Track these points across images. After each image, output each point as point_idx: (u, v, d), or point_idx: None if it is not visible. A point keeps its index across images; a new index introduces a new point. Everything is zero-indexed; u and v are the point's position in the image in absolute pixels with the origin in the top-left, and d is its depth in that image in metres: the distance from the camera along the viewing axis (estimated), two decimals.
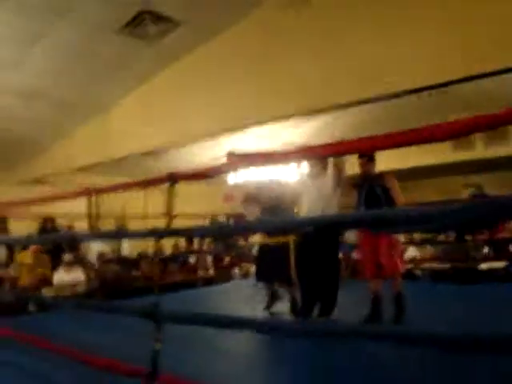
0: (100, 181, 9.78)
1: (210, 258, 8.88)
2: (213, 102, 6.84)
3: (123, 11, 5.37)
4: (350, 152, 3.11)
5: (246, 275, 9.14)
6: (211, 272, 8.66)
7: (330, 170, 4.77)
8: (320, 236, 4.60)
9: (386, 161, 7.31)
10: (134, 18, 5.45)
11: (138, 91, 7.20)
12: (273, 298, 5.52)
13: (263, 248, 5.43)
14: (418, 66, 5.27)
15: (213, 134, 7.46)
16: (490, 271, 7.05)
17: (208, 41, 6.31)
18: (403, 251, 4.91)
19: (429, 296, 5.58)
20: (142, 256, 8.05)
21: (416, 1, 5.14)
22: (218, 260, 8.94)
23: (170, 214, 2.64)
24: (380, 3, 5.35)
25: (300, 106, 6.35)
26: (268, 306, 5.49)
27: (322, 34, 5.70)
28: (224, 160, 6.81)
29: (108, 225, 9.45)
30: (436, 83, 5.31)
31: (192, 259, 8.66)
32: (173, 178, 2.69)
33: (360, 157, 4.78)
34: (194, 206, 9.87)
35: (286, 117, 6.88)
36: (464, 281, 6.71)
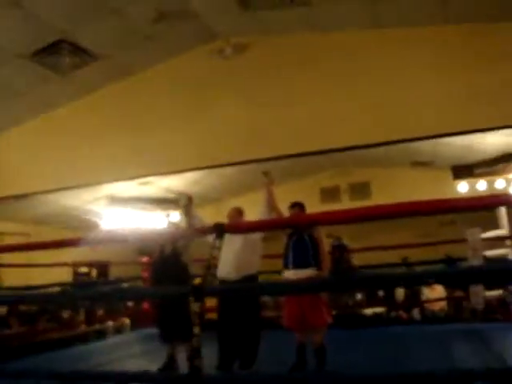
0: None
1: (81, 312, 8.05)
2: (114, 147, 6.48)
3: (38, 37, 4.88)
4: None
5: (119, 330, 8.47)
6: (83, 327, 7.84)
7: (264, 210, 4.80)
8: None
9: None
10: (50, 46, 4.98)
11: (32, 123, 6.47)
12: (171, 361, 5.05)
13: (160, 305, 5.11)
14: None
15: (103, 181, 7.05)
16: (374, 316, 7.73)
17: (120, 81, 6.05)
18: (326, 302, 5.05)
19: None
20: (10, 312, 6.94)
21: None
22: (90, 314, 8.13)
23: None
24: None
25: (203, 161, 6.43)
26: (165, 368, 5.06)
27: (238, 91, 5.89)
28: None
29: None
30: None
31: (65, 313, 7.74)
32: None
33: (293, 206, 4.92)
34: (58, 252, 8.96)
35: (187, 170, 6.90)
36: (350, 326, 7.18)
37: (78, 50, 5.12)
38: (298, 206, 4.94)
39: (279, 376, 2.58)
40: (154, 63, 6.11)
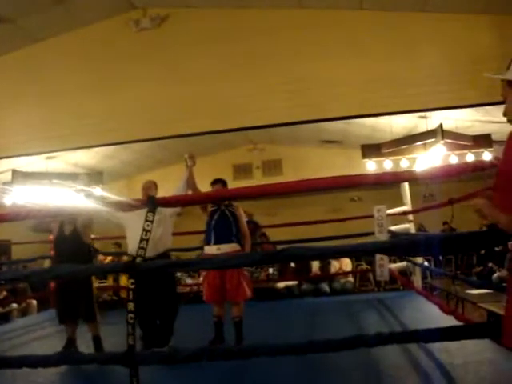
0: None
1: None
2: (17, 119, 6.08)
3: None
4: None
5: (25, 312, 8.05)
6: None
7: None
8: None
9: None
10: None
11: None
12: (71, 341, 4.84)
13: (60, 285, 4.94)
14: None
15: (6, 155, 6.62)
16: (286, 289, 8.04)
17: (25, 47, 5.62)
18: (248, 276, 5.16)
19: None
20: None
21: None
22: None
23: None
24: None
25: (115, 136, 6.27)
26: (66, 347, 4.91)
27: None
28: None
29: None
30: None
31: None
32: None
33: (215, 183, 4.93)
34: None
35: (99, 145, 6.72)
36: (265, 298, 7.47)
37: None
38: (220, 183, 4.98)
39: (215, 349, 2.60)
40: (64, 31, 5.75)
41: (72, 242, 4.77)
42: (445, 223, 8.88)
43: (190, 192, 4.87)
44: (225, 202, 4.93)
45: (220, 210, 4.89)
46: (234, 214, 4.92)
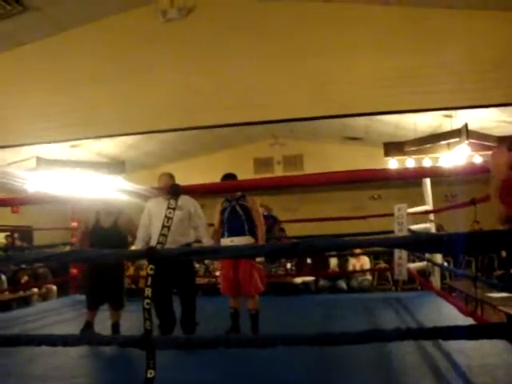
0: None
1: (4, 278, 7.65)
2: (41, 107, 6.15)
3: None
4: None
5: (45, 297, 8.19)
6: (6, 295, 7.48)
7: None
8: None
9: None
10: None
11: None
12: (89, 325, 4.91)
13: (93, 272, 4.97)
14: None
15: (28, 142, 6.73)
16: (303, 284, 8.05)
17: (51, 36, 5.69)
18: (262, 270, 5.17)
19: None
20: None
21: None
22: (13, 281, 7.76)
23: None
24: None
25: (140, 126, 6.31)
26: (84, 330, 4.95)
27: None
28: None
29: None
30: None
31: None
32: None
33: (225, 178, 4.92)
34: None
35: (123, 134, 6.77)
36: (282, 293, 7.49)
37: None
38: (230, 178, 4.95)
39: (230, 338, 2.62)
40: (91, 20, 5.81)
41: (111, 236, 4.81)
42: (476, 222, 8.74)
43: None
44: (236, 196, 4.93)
45: (231, 205, 4.93)
46: (246, 207, 4.91)
